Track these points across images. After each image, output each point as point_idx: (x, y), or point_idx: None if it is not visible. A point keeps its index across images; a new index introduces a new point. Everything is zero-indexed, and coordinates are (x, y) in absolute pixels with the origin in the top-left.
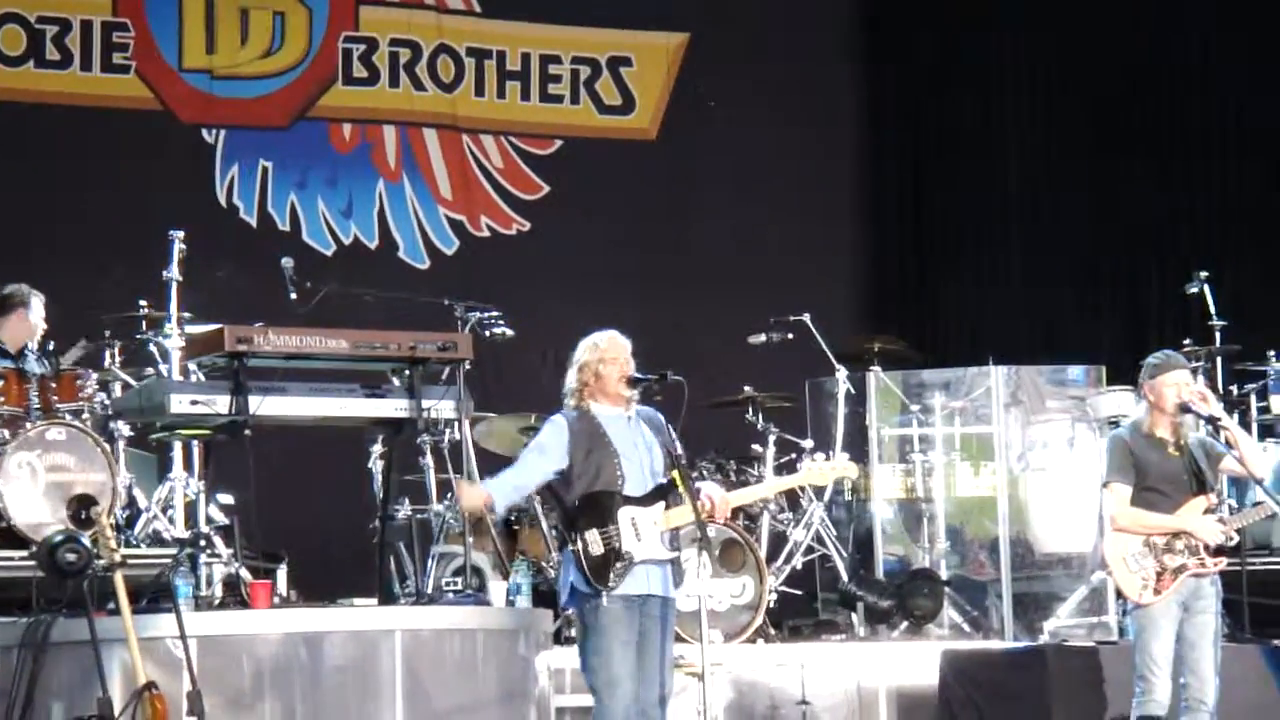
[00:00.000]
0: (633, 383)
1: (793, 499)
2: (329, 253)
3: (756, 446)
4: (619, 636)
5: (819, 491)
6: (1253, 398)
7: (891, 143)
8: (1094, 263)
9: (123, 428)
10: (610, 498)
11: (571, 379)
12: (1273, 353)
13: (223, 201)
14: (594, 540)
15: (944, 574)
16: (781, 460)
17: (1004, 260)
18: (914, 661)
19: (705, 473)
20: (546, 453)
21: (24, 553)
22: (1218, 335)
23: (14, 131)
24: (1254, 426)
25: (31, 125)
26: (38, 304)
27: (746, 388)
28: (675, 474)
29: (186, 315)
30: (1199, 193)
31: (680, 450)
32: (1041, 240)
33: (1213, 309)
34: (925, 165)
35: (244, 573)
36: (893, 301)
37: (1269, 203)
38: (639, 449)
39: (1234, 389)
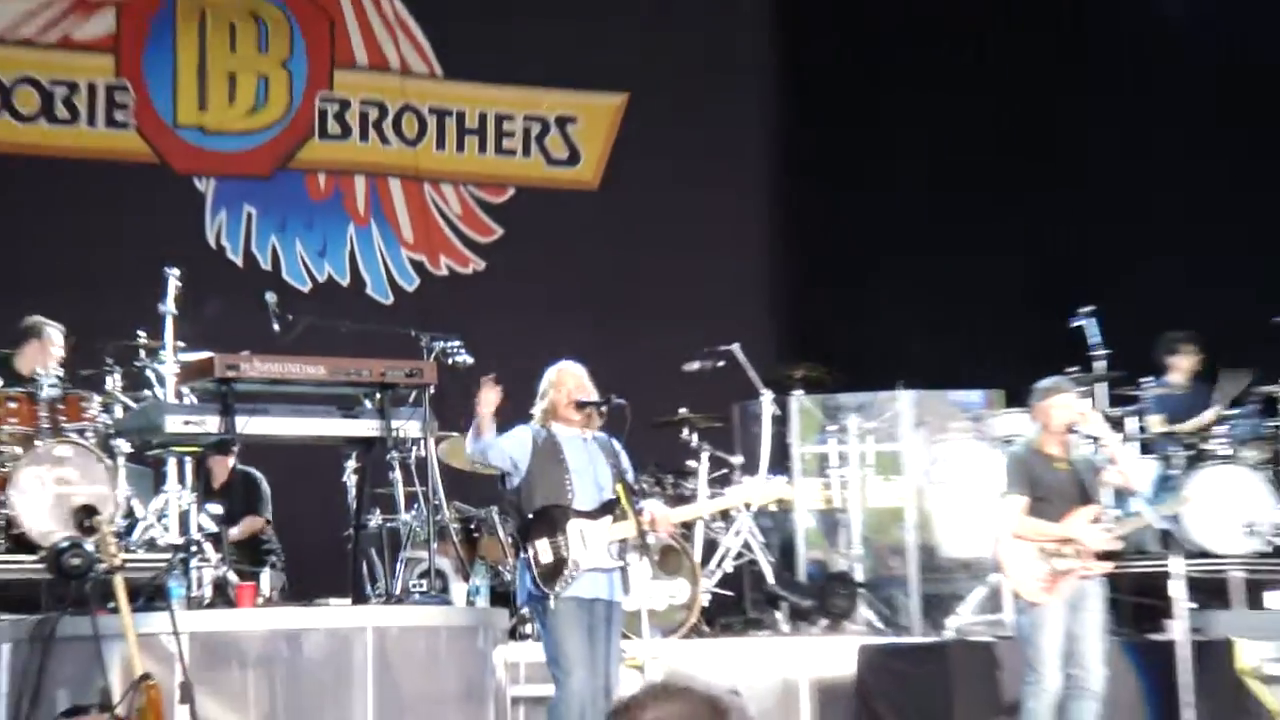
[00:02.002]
0: (579, 406)
1: (724, 509)
2: (306, 289)
3: (691, 462)
4: (570, 630)
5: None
6: (1131, 419)
7: (809, 189)
8: (993, 295)
9: (123, 445)
10: (561, 511)
11: (537, 405)
12: (1151, 379)
13: (212, 243)
14: (544, 549)
15: (859, 576)
16: (714, 475)
17: (914, 294)
18: (833, 655)
19: (646, 487)
20: (517, 440)
21: (34, 557)
22: (1101, 363)
23: (27, 181)
24: (1134, 445)
25: (42, 176)
26: (55, 335)
27: (682, 410)
28: (620, 491)
29: (180, 344)
30: (1092, 230)
31: (628, 467)
32: (946, 276)
33: (1096, 339)
34: (841, 209)
35: (231, 575)
36: (813, 332)
37: (1154, 243)
38: (590, 468)
39: (1115, 411)
